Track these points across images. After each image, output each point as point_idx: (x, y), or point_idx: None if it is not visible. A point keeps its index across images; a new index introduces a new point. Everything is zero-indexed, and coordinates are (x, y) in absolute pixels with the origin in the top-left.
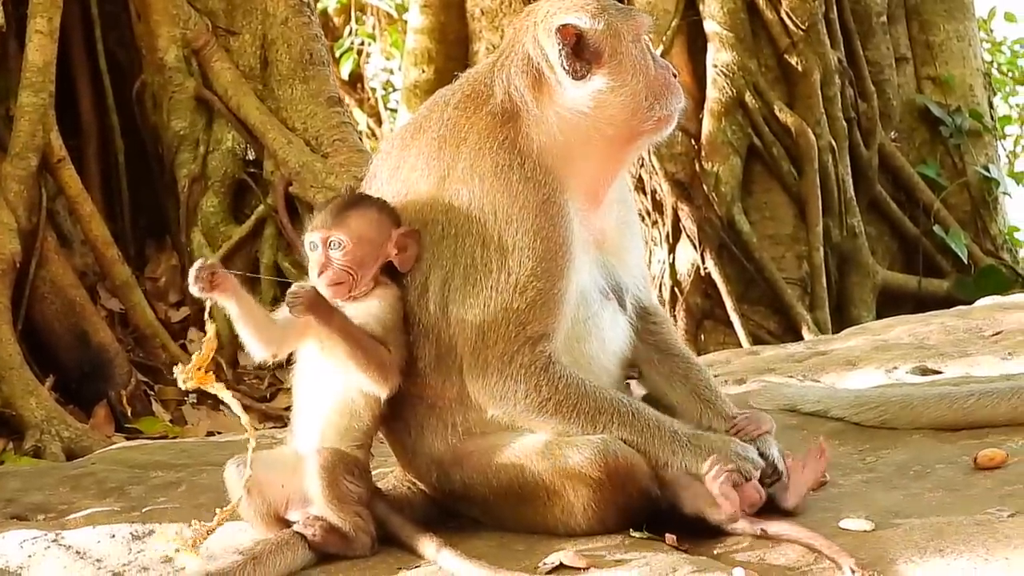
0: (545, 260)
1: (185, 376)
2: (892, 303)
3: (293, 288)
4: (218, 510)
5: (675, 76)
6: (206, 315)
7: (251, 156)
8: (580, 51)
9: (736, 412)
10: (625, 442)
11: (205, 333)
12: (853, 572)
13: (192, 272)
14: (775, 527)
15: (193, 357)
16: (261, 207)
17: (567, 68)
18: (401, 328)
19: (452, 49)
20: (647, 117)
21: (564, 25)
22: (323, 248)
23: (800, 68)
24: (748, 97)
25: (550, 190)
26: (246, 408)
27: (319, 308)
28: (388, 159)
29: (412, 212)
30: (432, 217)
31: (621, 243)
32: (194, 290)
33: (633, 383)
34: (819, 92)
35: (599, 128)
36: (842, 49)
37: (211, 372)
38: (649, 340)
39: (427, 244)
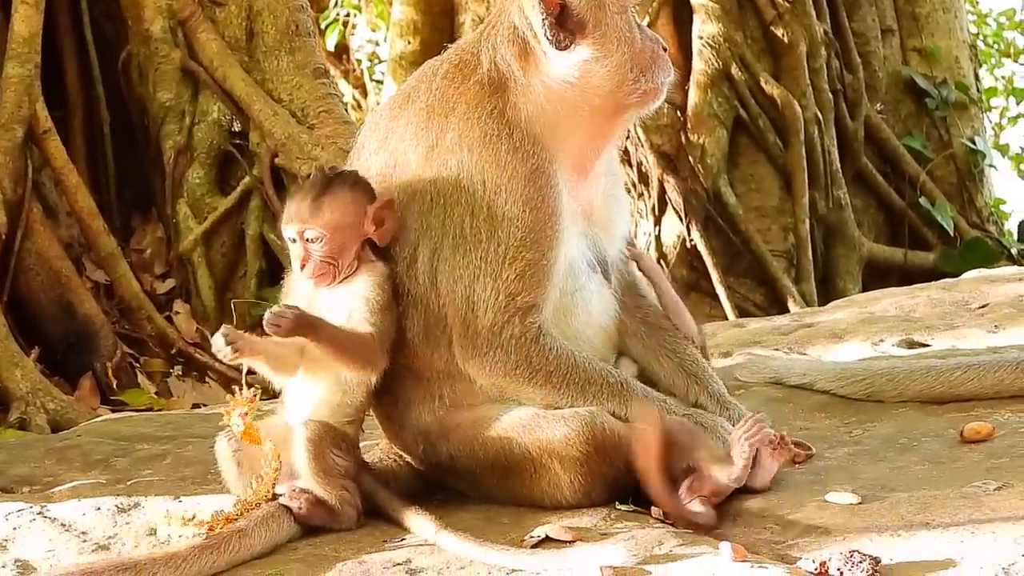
0: (534, 231)
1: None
2: (878, 275)
3: (273, 311)
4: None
5: (664, 49)
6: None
7: (237, 128)
8: (564, 21)
9: (722, 388)
10: (614, 414)
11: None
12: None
13: (218, 349)
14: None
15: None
16: (247, 179)
17: (550, 38)
18: (390, 305)
19: (438, 20)
20: (633, 89)
21: None
22: (301, 242)
23: (786, 40)
24: (734, 69)
25: (539, 160)
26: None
27: (302, 326)
28: (376, 130)
29: (400, 183)
30: (421, 188)
31: (608, 215)
32: (224, 358)
33: (626, 360)
34: (805, 64)
35: (586, 99)
36: (828, 21)
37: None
38: (637, 314)
39: (415, 215)
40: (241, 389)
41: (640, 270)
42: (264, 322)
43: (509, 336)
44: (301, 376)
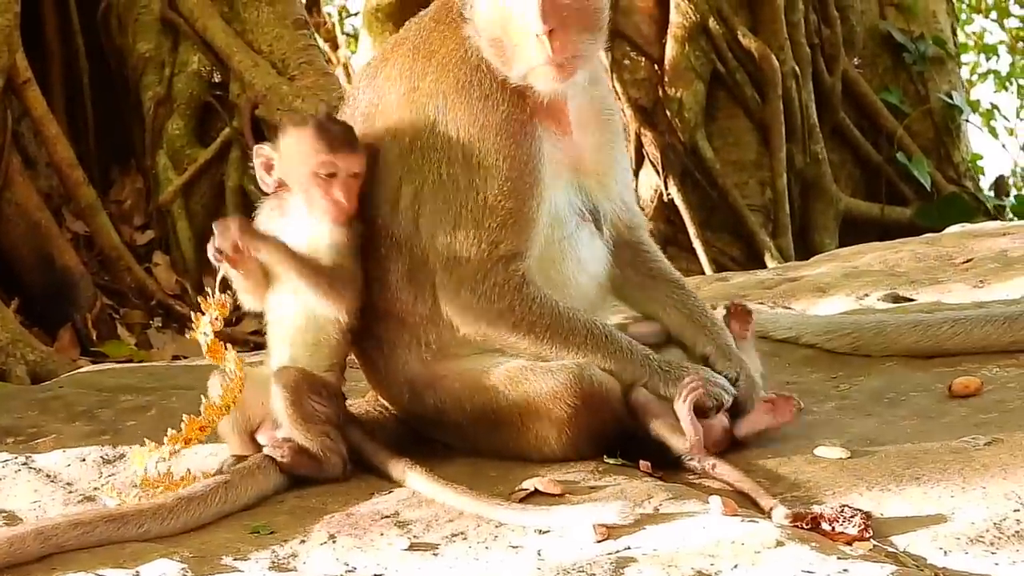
0: (511, 180)
1: (206, 335)
2: (855, 230)
3: (220, 221)
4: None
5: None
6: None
7: (217, 79)
8: None
9: (729, 340)
10: (597, 365)
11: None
12: (781, 517)
13: (219, 239)
14: (721, 469)
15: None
16: (227, 130)
17: None
18: (355, 254)
19: None
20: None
21: None
22: (342, 176)
23: None
24: (712, 22)
25: (509, 108)
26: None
27: (251, 234)
28: (368, 68)
29: (382, 122)
30: (400, 129)
31: (599, 167)
32: (214, 254)
33: (645, 323)
34: (783, 18)
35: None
36: None
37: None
38: (641, 268)
39: (396, 156)
40: (212, 294)
41: None
42: (215, 231)
43: (492, 284)
44: (272, 309)
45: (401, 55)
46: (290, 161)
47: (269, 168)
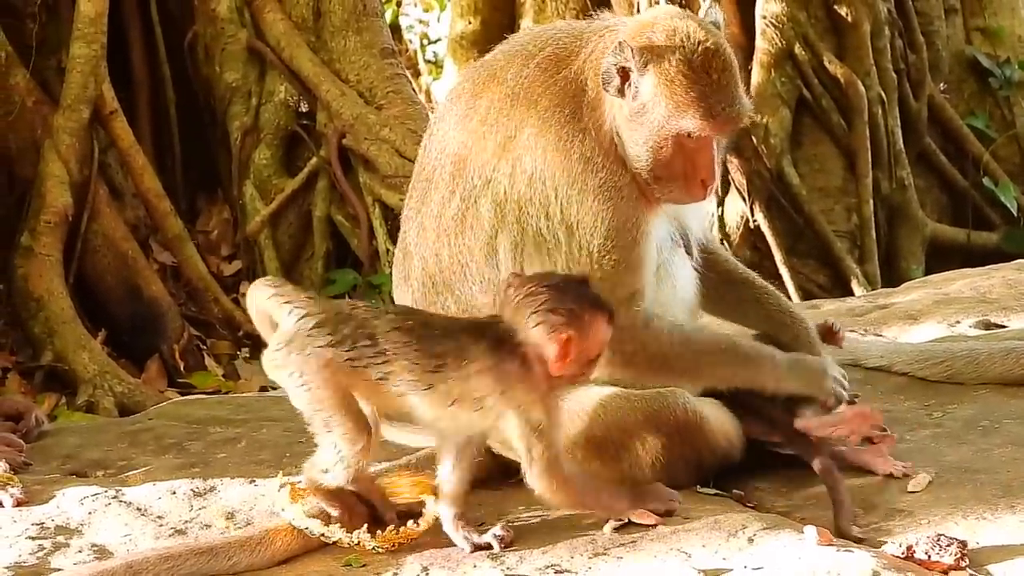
0: (610, 239)
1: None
2: (941, 256)
3: None
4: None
5: (702, 194)
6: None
7: (304, 108)
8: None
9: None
10: (736, 378)
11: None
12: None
13: None
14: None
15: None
16: (314, 159)
17: (609, 86)
18: None
19: (499, 0)
20: (650, 186)
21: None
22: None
23: (850, 19)
24: (797, 48)
25: (608, 174)
26: None
27: None
28: (458, 102)
29: (474, 167)
30: (495, 178)
31: None
32: None
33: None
34: (868, 43)
35: (627, 151)
36: (891, 0)
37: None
38: (712, 274)
39: (489, 203)
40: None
41: None
42: None
43: (618, 328)
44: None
45: (499, 98)
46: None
47: None
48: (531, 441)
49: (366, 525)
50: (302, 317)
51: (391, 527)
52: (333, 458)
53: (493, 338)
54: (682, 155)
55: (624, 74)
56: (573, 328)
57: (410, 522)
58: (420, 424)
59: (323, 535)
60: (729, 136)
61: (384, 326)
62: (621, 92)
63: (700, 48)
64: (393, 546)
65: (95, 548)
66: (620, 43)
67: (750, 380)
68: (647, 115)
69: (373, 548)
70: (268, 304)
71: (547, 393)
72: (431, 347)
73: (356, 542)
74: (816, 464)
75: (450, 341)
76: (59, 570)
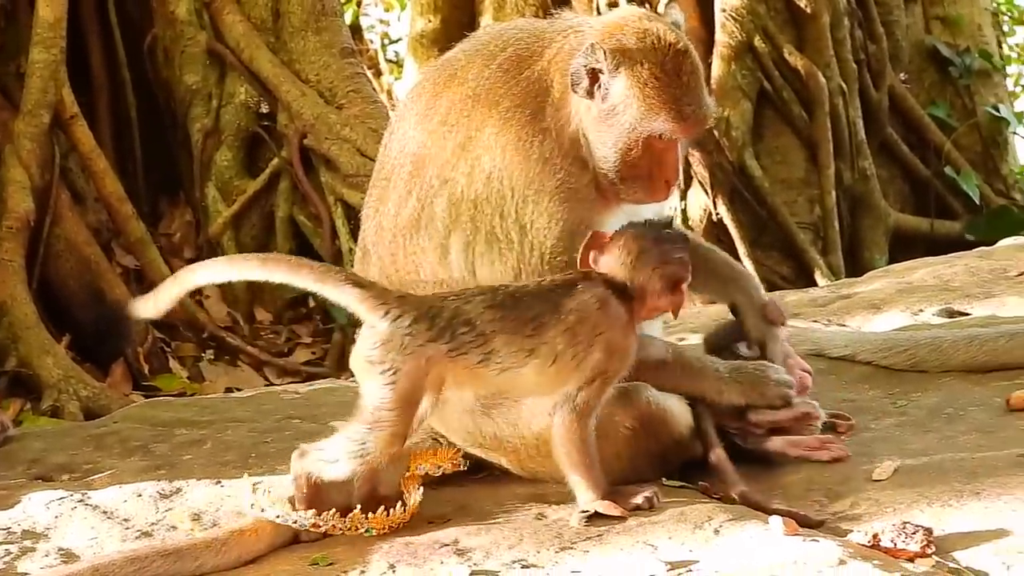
0: (563, 240)
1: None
2: (904, 246)
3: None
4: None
5: (667, 183)
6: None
7: (264, 109)
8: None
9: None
10: (679, 390)
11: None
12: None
13: None
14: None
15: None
16: (275, 160)
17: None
18: None
19: None
20: (615, 188)
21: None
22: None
23: (809, 10)
24: (757, 41)
25: (566, 175)
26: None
27: None
28: (419, 101)
29: (433, 167)
30: (453, 178)
31: None
32: None
33: (743, 345)
34: (828, 34)
35: (593, 154)
36: None
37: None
38: None
39: (445, 203)
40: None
41: None
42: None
43: None
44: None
45: (459, 98)
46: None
47: None
48: (583, 383)
49: (359, 507)
50: (397, 317)
51: (381, 509)
52: (350, 451)
53: (588, 288)
54: (649, 156)
55: (594, 75)
56: (686, 274)
57: (398, 505)
58: (518, 398)
59: (315, 524)
60: (696, 137)
61: (477, 308)
62: (590, 94)
63: (671, 51)
64: (385, 529)
65: (62, 552)
66: (592, 45)
67: (693, 390)
68: (617, 117)
69: (367, 531)
70: (354, 305)
71: (633, 340)
72: (525, 313)
73: (349, 527)
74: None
75: (542, 302)
76: (26, 574)
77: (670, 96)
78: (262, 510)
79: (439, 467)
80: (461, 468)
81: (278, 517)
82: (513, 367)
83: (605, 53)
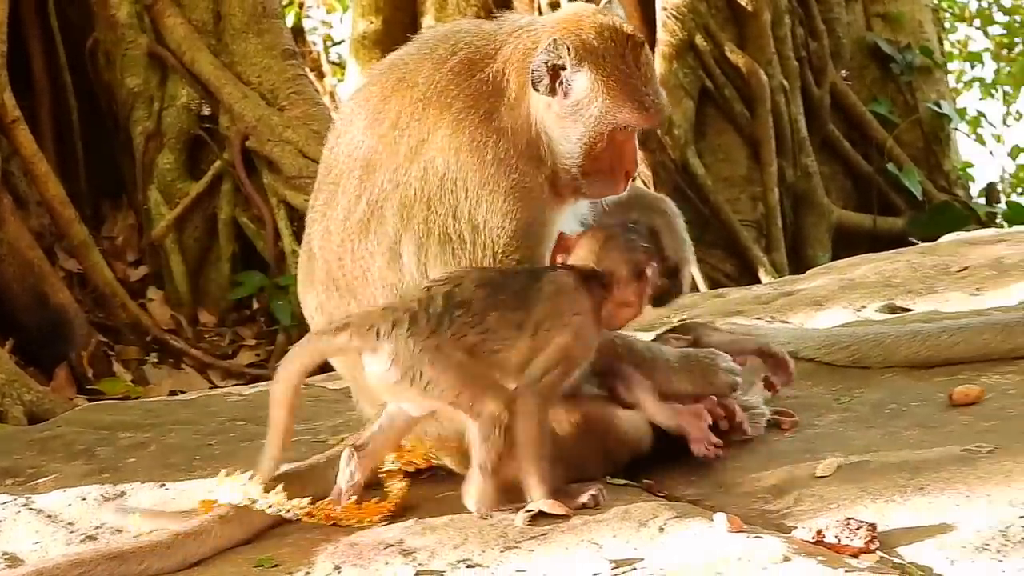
0: (517, 237)
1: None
2: (847, 242)
3: None
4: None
5: (625, 175)
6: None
7: (206, 112)
8: (558, 78)
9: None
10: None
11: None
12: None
13: None
14: None
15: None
16: (218, 163)
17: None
18: None
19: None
20: (575, 182)
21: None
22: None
23: (750, 8)
24: (699, 39)
25: (520, 175)
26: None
27: None
28: (367, 106)
29: (385, 171)
30: (405, 181)
31: None
32: None
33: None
34: (769, 32)
35: (551, 150)
36: None
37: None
38: None
39: (396, 207)
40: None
41: None
42: None
43: None
44: None
45: (410, 102)
46: None
47: None
48: (549, 365)
49: (353, 498)
50: (391, 329)
51: (373, 500)
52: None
53: (563, 273)
54: (611, 149)
55: (555, 72)
56: (653, 262)
57: (388, 496)
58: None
59: (309, 514)
60: (655, 127)
61: (469, 287)
62: (552, 91)
63: (630, 44)
64: (375, 520)
65: (6, 556)
66: (553, 41)
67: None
68: (581, 111)
69: (356, 521)
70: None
71: (597, 331)
72: (512, 285)
73: (343, 518)
74: None
75: (525, 277)
76: None
77: (632, 88)
78: (254, 501)
79: (412, 463)
80: (433, 463)
81: (270, 508)
82: (506, 345)
83: (568, 49)
